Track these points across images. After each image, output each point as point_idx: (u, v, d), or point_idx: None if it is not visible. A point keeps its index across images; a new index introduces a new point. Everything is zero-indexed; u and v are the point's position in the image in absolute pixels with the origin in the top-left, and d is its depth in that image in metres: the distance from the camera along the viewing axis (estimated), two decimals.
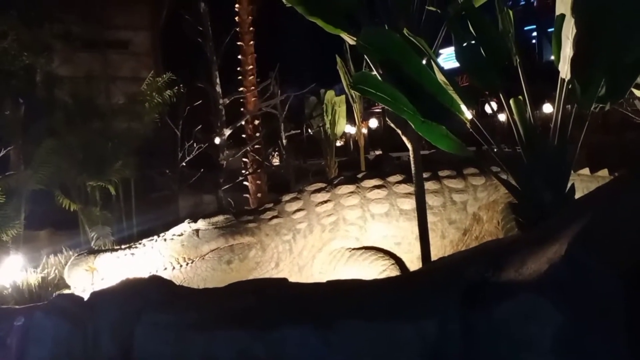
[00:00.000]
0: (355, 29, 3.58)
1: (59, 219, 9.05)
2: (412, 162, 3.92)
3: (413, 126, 3.10)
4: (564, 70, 3.06)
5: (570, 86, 3.05)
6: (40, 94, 9.73)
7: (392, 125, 3.92)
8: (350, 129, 19.20)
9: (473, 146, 3.71)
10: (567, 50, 2.98)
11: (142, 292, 2.60)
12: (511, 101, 3.08)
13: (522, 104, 3.09)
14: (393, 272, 5.66)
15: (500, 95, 3.22)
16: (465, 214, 5.82)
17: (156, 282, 2.84)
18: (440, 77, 2.98)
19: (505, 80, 3.26)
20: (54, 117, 8.40)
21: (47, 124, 8.21)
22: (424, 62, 3.18)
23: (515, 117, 3.09)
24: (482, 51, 3.07)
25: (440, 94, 3.00)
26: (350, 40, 3.72)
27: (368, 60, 3.74)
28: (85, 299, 2.65)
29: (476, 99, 3.19)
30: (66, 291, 5.17)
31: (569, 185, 3.22)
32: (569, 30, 2.94)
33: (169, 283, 2.93)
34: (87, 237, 8.06)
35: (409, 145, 3.94)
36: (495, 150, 3.59)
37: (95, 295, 2.70)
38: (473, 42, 3.08)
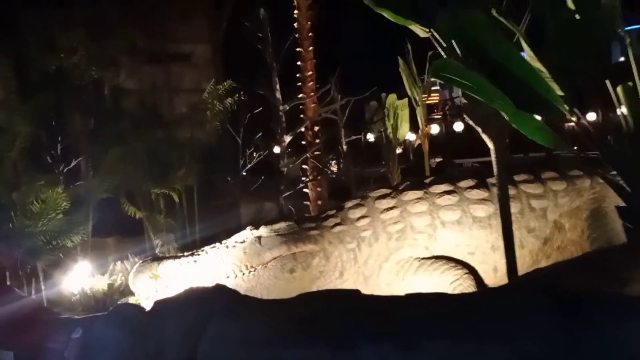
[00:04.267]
0: (426, 19, 3.30)
1: (126, 226, 9.25)
2: (494, 163, 3.57)
3: (506, 117, 2.76)
4: None
5: None
6: (107, 106, 10.05)
7: (470, 122, 3.59)
8: (410, 136, 18.78)
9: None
10: None
11: (207, 302, 2.43)
12: (619, 88, 2.68)
13: (632, 90, 2.68)
14: (466, 282, 5.29)
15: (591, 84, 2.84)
16: (545, 222, 5.38)
17: (221, 292, 2.67)
18: (535, 63, 2.64)
19: (600, 66, 2.87)
20: (120, 126, 8.58)
21: (114, 133, 8.39)
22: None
23: (624, 107, 2.68)
24: (579, 30, 2.68)
25: (535, 82, 2.65)
26: (421, 31, 3.45)
27: (441, 52, 3.43)
28: (148, 308, 2.51)
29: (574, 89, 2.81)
30: (131, 298, 5.15)
31: None
32: None
33: (233, 293, 2.75)
34: (152, 244, 8.15)
35: (490, 145, 3.59)
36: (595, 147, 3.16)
37: (158, 305, 2.55)
38: (568, 20, 2.69)
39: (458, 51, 3.03)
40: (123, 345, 2.35)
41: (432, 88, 11.67)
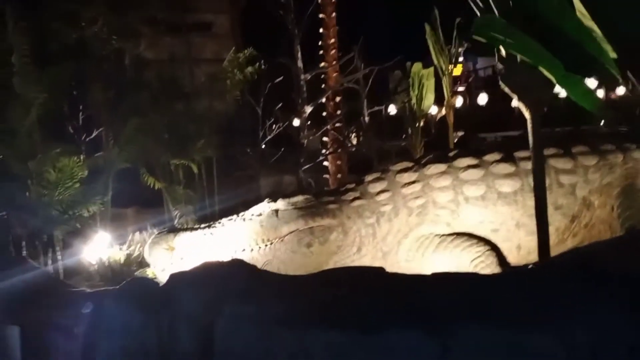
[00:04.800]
0: None
1: (145, 198, 9.24)
2: (530, 134, 3.31)
3: (553, 80, 2.50)
4: None
5: None
6: (128, 76, 9.96)
7: (505, 89, 3.33)
8: (432, 108, 18.35)
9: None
10: None
11: (223, 278, 2.27)
12: None
13: None
14: (489, 259, 5.13)
15: None
16: (574, 199, 5.17)
17: (238, 267, 2.51)
18: (587, 21, 2.37)
19: None
20: (139, 97, 8.47)
21: (133, 104, 8.27)
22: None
23: None
24: None
25: (587, 42, 2.38)
26: None
27: (477, 12, 3.15)
28: (161, 283, 2.38)
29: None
30: (148, 270, 5.09)
31: None
32: None
33: (251, 268, 2.59)
34: (171, 216, 8.10)
35: (526, 114, 3.33)
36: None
37: (171, 281, 2.41)
38: None
39: (496, 12, 2.77)
40: (134, 322, 2.23)
41: (458, 60, 11.24)
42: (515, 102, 3.37)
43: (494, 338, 1.86)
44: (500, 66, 3.26)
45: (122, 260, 6.41)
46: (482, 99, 21.21)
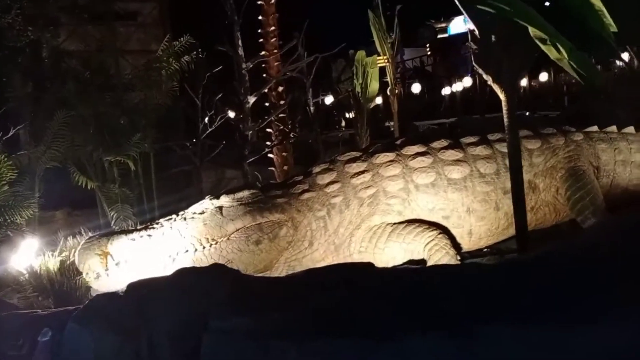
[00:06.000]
0: None
1: (76, 199, 8.56)
2: (505, 115, 3.20)
3: (565, 54, 2.35)
4: None
5: None
6: (47, 69, 9.17)
7: (478, 70, 3.18)
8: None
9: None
10: None
11: (204, 289, 1.93)
12: None
13: None
14: (442, 241, 5.11)
15: None
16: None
17: (220, 274, 2.17)
18: None
19: None
20: (64, 89, 7.75)
21: (57, 97, 7.56)
22: None
23: None
24: None
25: (590, 17, 2.24)
26: None
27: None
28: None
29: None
30: (88, 279, 4.59)
31: None
32: None
33: (234, 274, 2.26)
34: (107, 217, 7.49)
35: (501, 96, 3.21)
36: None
37: (146, 295, 2.03)
38: None
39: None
40: (106, 347, 1.85)
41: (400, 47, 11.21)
42: (488, 82, 3.25)
43: (521, 338, 1.67)
44: (473, 46, 3.12)
45: (55, 268, 5.79)
46: (416, 88, 21.62)
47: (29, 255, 5.90)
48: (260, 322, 1.80)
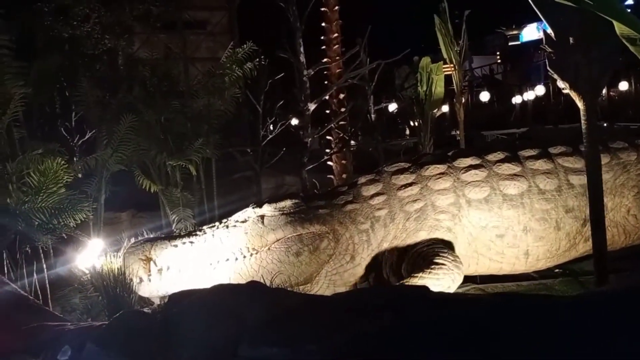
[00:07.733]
0: None
1: (142, 201, 8.81)
2: (583, 125, 2.88)
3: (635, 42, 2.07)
4: None
5: None
6: (121, 75, 9.56)
7: (553, 75, 2.90)
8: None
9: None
10: None
11: (239, 309, 1.81)
12: None
13: None
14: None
15: None
16: (585, 200, 4.83)
17: (257, 294, 2.04)
18: None
19: None
20: (132, 94, 8.02)
21: (126, 102, 7.82)
22: None
23: None
24: None
25: None
26: None
27: None
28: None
29: None
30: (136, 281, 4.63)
31: None
32: None
33: (273, 294, 2.12)
34: (169, 220, 7.65)
35: (579, 104, 2.90)
36: None
37: (172, 315, 1.93)
38: None
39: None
40: None
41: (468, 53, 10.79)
42: (565, 89, 2.94)
43: None
44: (548, 49, 2.85)
45: (115, 269, 5.93)
46: (485, 96, 20.92)
47: (93, 256, 6.08)
48: (294, 354, 1.65)
